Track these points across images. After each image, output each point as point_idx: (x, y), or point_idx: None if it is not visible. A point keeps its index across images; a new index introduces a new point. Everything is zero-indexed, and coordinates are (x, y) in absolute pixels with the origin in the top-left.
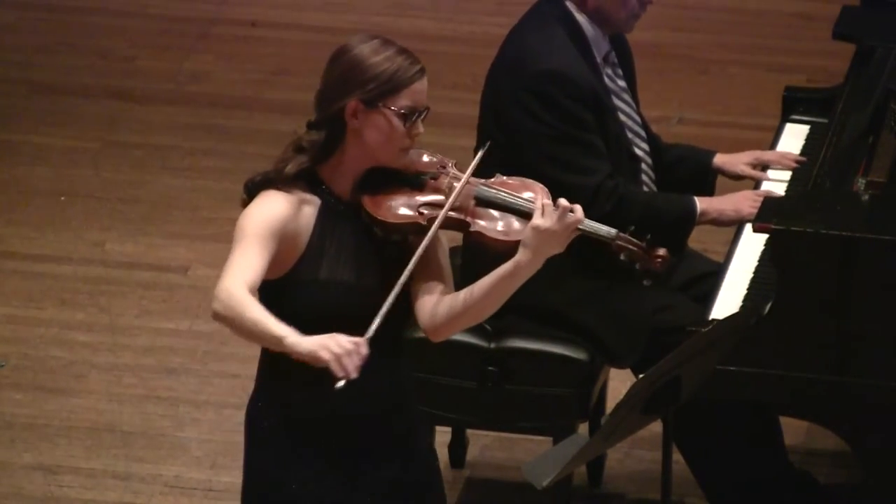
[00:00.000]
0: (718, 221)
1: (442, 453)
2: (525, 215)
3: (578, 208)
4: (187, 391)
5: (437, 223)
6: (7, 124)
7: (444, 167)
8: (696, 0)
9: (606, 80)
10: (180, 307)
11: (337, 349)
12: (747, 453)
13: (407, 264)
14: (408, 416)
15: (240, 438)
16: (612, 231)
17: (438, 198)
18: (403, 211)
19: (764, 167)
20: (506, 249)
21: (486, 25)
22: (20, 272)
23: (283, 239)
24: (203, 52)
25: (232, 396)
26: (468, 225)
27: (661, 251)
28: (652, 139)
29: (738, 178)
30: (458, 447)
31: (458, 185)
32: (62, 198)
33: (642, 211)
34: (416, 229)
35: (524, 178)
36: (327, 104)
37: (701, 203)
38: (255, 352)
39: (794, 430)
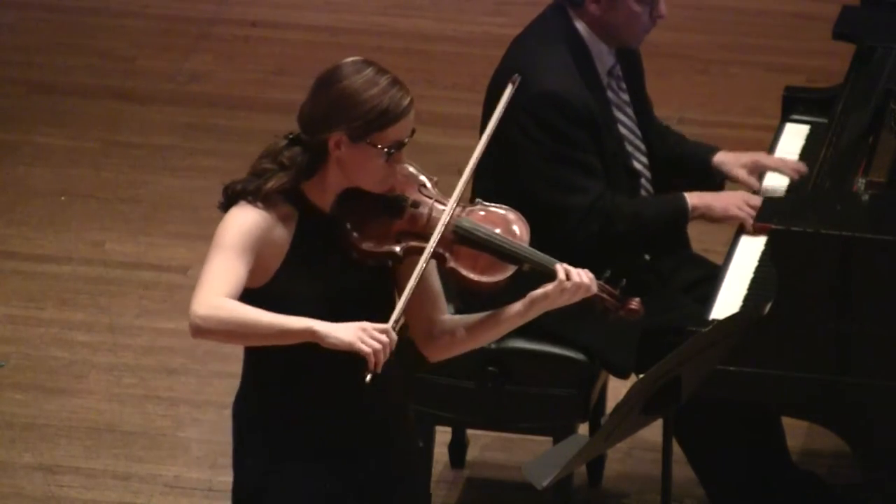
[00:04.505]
0: (707, 217)
1: (442, 453)
2: (507, 257)
3: (592, 283)
4: (187, 391)
5: (420, 266)
6: (7, 124)
7: (424, 187)
8: (696, 0)
9: (609, 93)
10: (180, 307)
11: (374, 343)
12: (749, 453)
13: (385, 282)
14: (388, 407)
15: None
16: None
17: (417, 229)
18: (381, 240)
19: (762, 174)
20: (477, 289)
21: (486, 25)
22: (20, 272)
23: (260, 252)
24: (203, 52)
25: (232, 396)
26: (445, 260)
27: (634, 303)
28: (658, 139)
29: (734, 180)
30: (458, 447)
31: (440, 220)
32: (62, 198)
33: (629, 225)
34: (391, 258)
35: (505, 210)
36: (312, 129)
37: (691, 199)
38: None
39: (794, 430)
